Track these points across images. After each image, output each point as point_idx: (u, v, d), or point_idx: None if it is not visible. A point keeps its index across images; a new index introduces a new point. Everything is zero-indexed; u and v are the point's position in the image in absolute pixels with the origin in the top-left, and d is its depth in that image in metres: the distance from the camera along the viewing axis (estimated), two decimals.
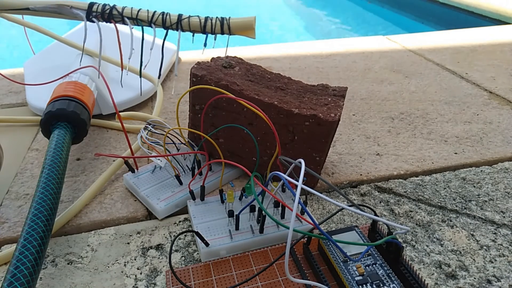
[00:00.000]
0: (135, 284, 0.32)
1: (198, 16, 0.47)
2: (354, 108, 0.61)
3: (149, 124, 0.47)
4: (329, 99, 0.41)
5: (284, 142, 0.40)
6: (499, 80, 0.71)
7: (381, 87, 0.69)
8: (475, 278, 0.33)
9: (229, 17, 0.47)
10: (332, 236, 0.32)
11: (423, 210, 0.40)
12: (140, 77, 0.51)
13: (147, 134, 0.45)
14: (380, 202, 0.42)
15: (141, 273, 0.33)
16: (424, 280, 0.29)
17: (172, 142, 0.45)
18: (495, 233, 0.37)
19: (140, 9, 0.47)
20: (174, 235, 0.37)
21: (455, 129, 0.55)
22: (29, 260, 0.29)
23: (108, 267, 0.34)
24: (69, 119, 0.44)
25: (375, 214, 0.31)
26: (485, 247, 0.36)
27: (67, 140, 0.42)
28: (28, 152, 0.51)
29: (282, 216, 0.37)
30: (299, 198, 0.26)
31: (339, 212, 0.40)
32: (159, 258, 0.35)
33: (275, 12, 2.79)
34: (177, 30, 0.47)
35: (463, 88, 0.68)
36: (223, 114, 0.41)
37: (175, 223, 0.39)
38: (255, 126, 0.40)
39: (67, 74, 0.51)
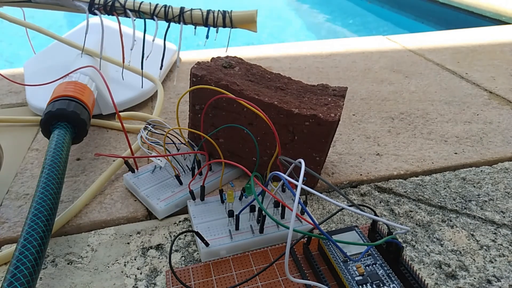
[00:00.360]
0: (135, 284, 0.32)
1: (200, 9, 0.47)
2: (354, 108, 0.61)
3: (149, 124, 0.47)
4: (329, 99, 0.41)
5: (284, 142, 0.40)
6: (499, 80, 0.71)
7: (381, 87, 0.69)
8: (475, 278, 0.33)
9: (231, 10, 0.48)
10: (332, 236, 0.31)
11: (423, 210, 0.40)
12: (142, 70, 0.50)
13: (147, 134, 0.45)
14: (380, 202, 0.42)
15: (141, 273, 0.33)
16: (424, 280, 0.29)
17: (172, 142, 0.45)
18: (495, 233, 0.37)
19: (142, 2, 0.47)
20: (174, 235, 0.37)
21: (455, 129, 0.55)
22: (29, 260, 0.29)
23: (108, 267, 0.34)
24: (69, 119, 0.44)
25: (375, 214, 0.31)
26: (485, 247, 0.36)
27: (67, 140, 0.42)
28: (28, 152, 0.51)
29: (282, 216, 0.37)
30: (299, 198, 0.26)
31: (339, 212, 0.40)
32: (159, 258, 0.35)
33: (275, 12, 2.79)
34: (179, 23, 0.47)
35: (463, 88, 0.68)
36: (223, 114, 0.41)
37: (175, 223, 0.39)
38: (255, 126, 0.40)
39: (67, 74, 0.51)
